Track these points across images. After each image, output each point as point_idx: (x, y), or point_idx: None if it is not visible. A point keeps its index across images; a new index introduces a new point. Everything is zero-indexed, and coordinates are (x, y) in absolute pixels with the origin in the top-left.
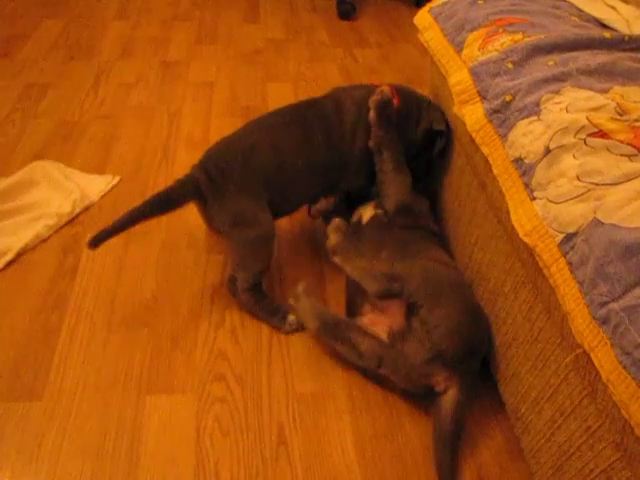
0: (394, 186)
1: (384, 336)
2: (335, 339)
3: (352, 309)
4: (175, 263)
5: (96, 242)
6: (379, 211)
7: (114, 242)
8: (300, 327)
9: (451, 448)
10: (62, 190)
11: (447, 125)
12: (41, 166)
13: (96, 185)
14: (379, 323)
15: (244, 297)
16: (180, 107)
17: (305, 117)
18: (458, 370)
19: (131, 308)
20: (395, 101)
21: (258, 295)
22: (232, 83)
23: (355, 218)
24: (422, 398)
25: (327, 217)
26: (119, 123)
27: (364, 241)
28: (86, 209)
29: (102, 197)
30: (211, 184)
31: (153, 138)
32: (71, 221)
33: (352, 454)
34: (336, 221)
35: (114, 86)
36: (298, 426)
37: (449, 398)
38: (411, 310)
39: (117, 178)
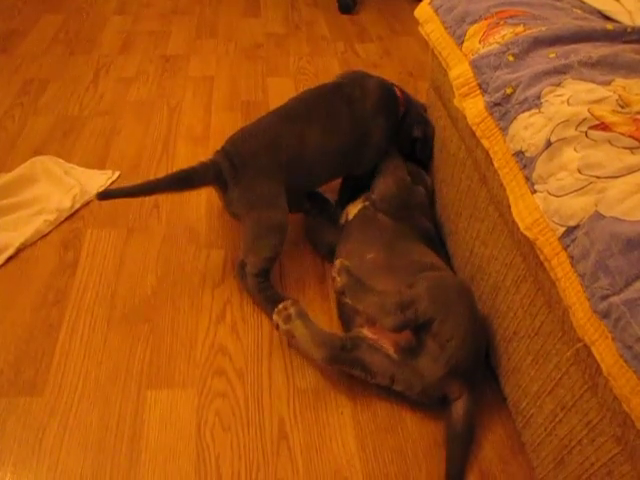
0: (384, 178)
1: (391, 351)
2: (345, 364)
3: (347, 322)
4: (175, 258)
5: (105, 196)
6: (366, 203)
7: (114, 237)
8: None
9: (464, 452)
10: (62, 185)
11: (426, 129)
12: (41, 161)
13: (96, 180)
14: (384, 337)
15: (251, 282)
16: (180, 102)
17: (332, 103)
18: (471, 378)
19: (131, 303)
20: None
21: (264, 283)
22: (232, 78)
23: (343, 219)
24: (432, 406)
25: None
26: (119, 118)
27: (351, 240)
28: (86, 204)
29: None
30: (233, 171)
31: (153, 133)
32: (71, 216)
33: (353, 448)
34: (338, 263)
35: (114, 81)
36: (299, 421)
37: (461, 403)
38: (419, 325)
39: (117, 173)
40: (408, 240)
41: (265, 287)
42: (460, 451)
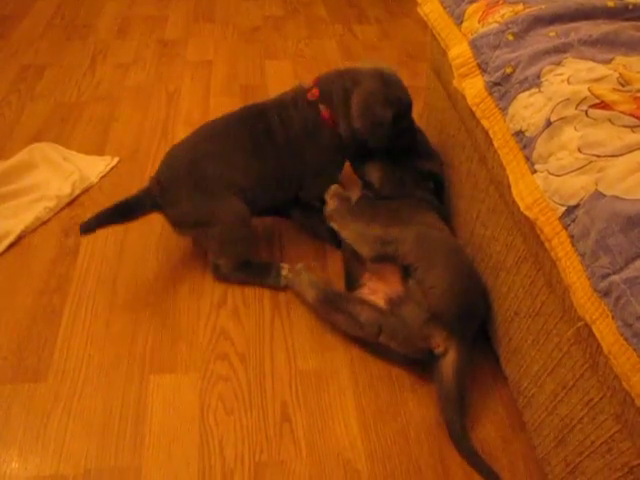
0: (372, 167)
1: (382, 303)
2: (334, 310)
3: (351, 281)
4: (176, 243)
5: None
6: (364, 191)
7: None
8: (294, 282)
9: (458, 408)
10: (61, 172)
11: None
12: (39, 148)
13: (95, 166)
14: (377, 291)
15: (234, 278)
16: (178, 86)
17: (253, 128)
18: (456, 331)
19: (133, 289)
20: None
21: (245, 269)
22: (230, 61)
23: None
24: (422, 365)
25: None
26: (117, 103)
27: (358, 214)
28: (86, 191)
29: (102, 178)
30: (164, 194)
31: (151, 118)
32: (71, 203)
33: (355, 430)
34: (333, 188)
35: (111, 66)
36: (301, 403)
37: (449, 360)
38: (407, 274)
39: (116, 159)
40: (413, 209)
41: (249, 271)
42: (454, 410)
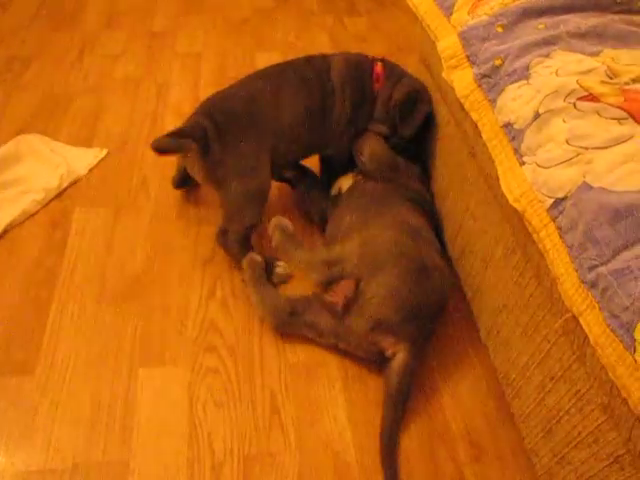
0: (367, 140)
1: (339, 307)
2: (294, 328)
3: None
4: (165, 235)
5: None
6: (359, 177)
7: (103, 215)
8: (287, 278)
9: (396, 408)
10: (49, 164)
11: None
12: (27, 140)
13: (83, 158)
14: (337, 294)
15: (234, 249)
16: (167, 78)
17: (304, 71)
18: (404, 334)
19: (121, 281)
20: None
21: (247, 248)
22: (220, 53)
23: (334, 191)
24: (378, 364)
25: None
26: (105, 95)
27: (338, 208)
28: (74, 183)
29: (90, 170)
30: (217, 130)
31: (140, 110)
32: (59, 195)
33: (344, 422)
34: (275, 220)
35: (99, 57)
36: (291, 395)
37: (397, 361)
38: (358, 283)
39: (105, 151)
40: (389, 202)
41: (247, 252)
42: (392, 409)
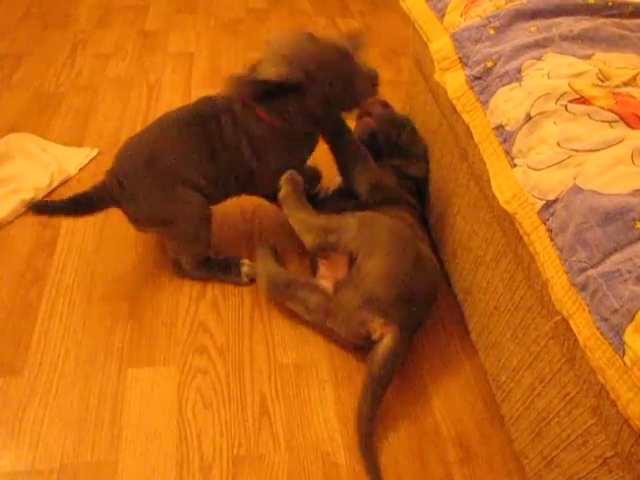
0: (362, 169)
1: (330, 288)
2: (285, 297)
3: (313, 264)
4: (155, 236)
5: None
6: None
7: (93, 215)
8: (255, 275)
9: (373, 394)
10: (39, 163)
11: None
12: (17, 139)
13: (74, 158)
14: (328, 276)
15: (194, 274)
16: (159, 78)
17: (204, 123)
18: (394, 317)
19: (111, 281)
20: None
21: (206, 266)
22: (212, 53)
23: (322, 193)
24: (362, 349)
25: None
26: (97, 94)
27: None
28: (64, 182)
29: (80, 170)
30: (122, 191)
31: (132, 110)
32: (49, 195)
33: (335, 424)
34: (290, 173)
35: (91, 56)
36: (280, 396)
37: (382, 345)
38: (352, 261)
39: (95, 151)
40: (383, 203)
41: (209, 267)
42: (371, 393)
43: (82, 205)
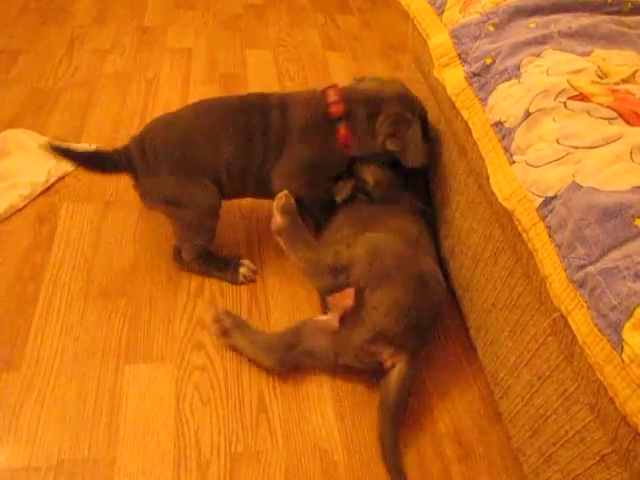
0: (368, 169)
1: (337, 319)
2: (294, 359)
3: (322, 298)
4: (153, 232)
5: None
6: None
7: (91, 211)
8: (252, 277)
9: (394, 420)
10: (36, 159)
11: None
12: (14, 135)
13: None
14: (336, 305)
15: (192, 266)
16: (157, 74)
17: (251, 120)
18: (402, 346)
19: (109, 277)
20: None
21: (206, 260)
22: (211, 49)
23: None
24: (373, 374)
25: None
26: (95, 90)
27: (335, 219)
28: (61, 178)
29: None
30: (143, 162)
31: (130, 106)
32: (46, 190)
33: (332, 421)
34: (283, 199)
35: (89, 52)
36: (278, 393)
37: (395, 373)
38: (359, 292)
39: (93, 146)
40: (388, 210)
41: (208, 261)
42: (390, 421)
43: (96, 161)
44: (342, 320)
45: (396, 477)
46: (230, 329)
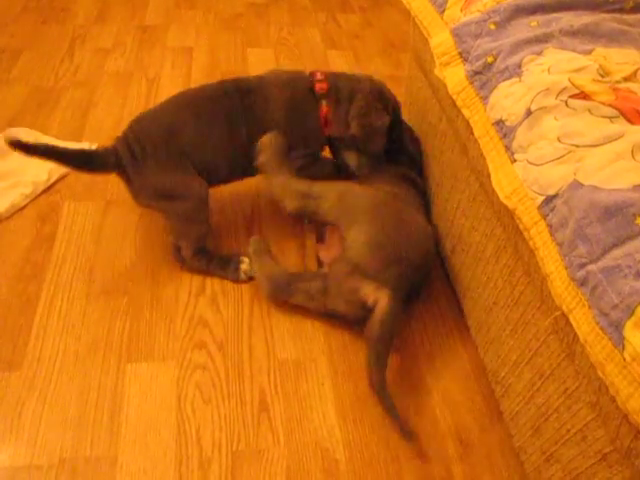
0: (349, 154)
1: (329, 262)
2: (287, 295)
3: (320, 235)
4: (154, 230)
5: (13, 144)
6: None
7: (92, 210)
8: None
9: (378, 356)
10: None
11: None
12: (15, 134)
13: None
14: (328, 257)
15: (193, 263)
16: (158, 73)
17: (230, 100)
18: (384, 280)
19: (110, 276)
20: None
21: (206, 257)
22: (212, 48)
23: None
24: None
25: None
26: (96, 90)
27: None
28: (63, 177)
29: None
30: (132, 159)
31: (131, 105)
32: (48, 189)
33: (333, 419)
34: (271, 136)
35: (90, 51)
36: (280, 392)
37: (378, 308)
38: (342, 240)
39: (94, 146)
40: (377, 176)
41: (208, 258)
42: (375, 355)
43: (84, 160)
44: (330, 267)
45: (391, 412)
46: (251, 254)
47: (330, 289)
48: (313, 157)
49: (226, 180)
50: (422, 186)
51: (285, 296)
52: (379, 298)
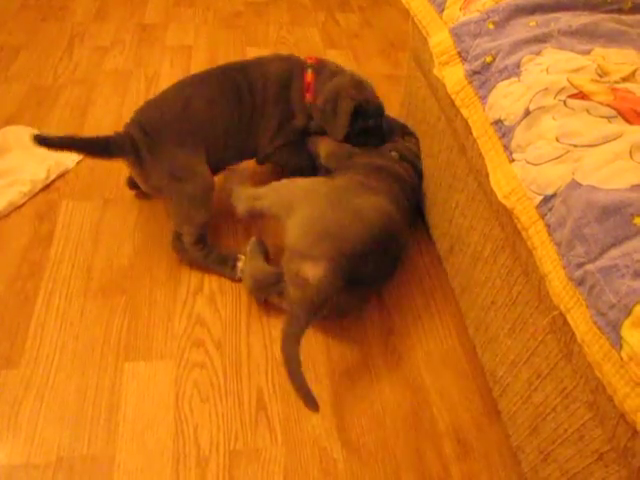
0: (319, 142)
1: None
2: (268, 294)
3: None
4: (152, 229)
5: (36, 139)
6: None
7: (90, 208)
8: None
9: (297, 318)
10: (36, 156)
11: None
12: (14, 131)
13: None
14: None
15: (192, 252)
16: (157, 71)
17: (237, 79)
18: (320, 255)
19: (108, 275)
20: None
21: (206, 248)
22: (211, 47)
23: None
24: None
25: None
26: (95, 87)
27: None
28: (61, 175)
29: (78, 163)
30: (146, 139)
31: (130, 103)
32: (46, 188)
33: (331, 419)
34: (231, 171)
35: (89, 49)
36: (277, 391)
37: (311, 277)
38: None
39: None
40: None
41: (208, 251)
42: (294, 316)
43: (102, 147)
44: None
45: (296, 379)
46: (247, 252)
47: (286, 282)
48: (297, 146)
49: (230, 161)
50: (411, 181)
51: (264, 294)
52: (317, 273)
